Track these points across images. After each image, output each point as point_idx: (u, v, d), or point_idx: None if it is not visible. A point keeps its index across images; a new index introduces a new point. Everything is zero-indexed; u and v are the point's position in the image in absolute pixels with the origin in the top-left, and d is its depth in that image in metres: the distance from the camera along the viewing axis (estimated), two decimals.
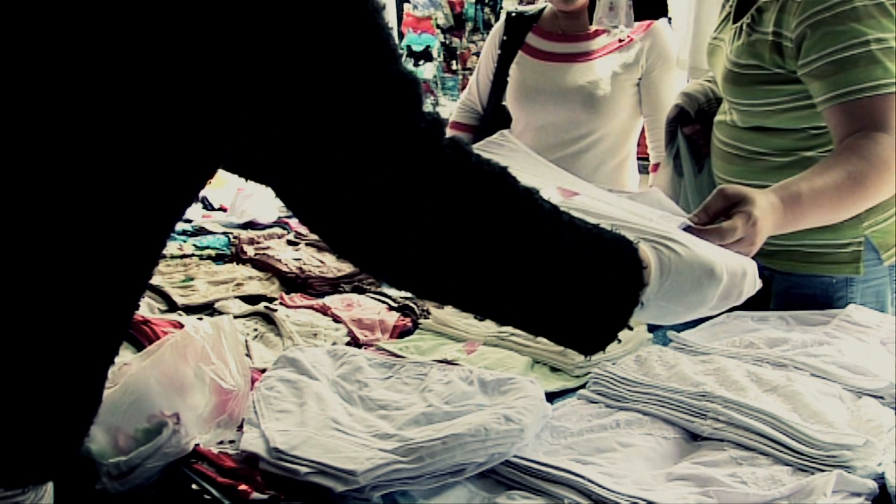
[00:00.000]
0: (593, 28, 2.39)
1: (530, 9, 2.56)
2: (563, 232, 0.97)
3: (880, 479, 1.06)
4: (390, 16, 4.34)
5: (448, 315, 1.62)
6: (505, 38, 2.49)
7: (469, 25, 8.04)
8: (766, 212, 1.32)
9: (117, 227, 0.82)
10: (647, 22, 2.36)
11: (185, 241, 2.20)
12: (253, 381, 1.32)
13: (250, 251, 2.08)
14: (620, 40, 2.36)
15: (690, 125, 1.86)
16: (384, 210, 0.88)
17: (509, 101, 2.46)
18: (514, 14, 2.54)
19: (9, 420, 0.83)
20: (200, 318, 1.59)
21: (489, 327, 1.54)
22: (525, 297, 0.96)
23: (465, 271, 0.93)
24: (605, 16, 2.30)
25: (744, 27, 1.61)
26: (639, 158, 2.52)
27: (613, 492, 1.02)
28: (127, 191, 0.81)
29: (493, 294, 0.96)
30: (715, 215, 1.32)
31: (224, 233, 2.32)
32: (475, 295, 0.97)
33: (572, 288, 0.98)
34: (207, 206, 2.72)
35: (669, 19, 2.55)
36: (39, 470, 0.87)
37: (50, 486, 0.92)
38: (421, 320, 1.67)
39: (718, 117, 1.76)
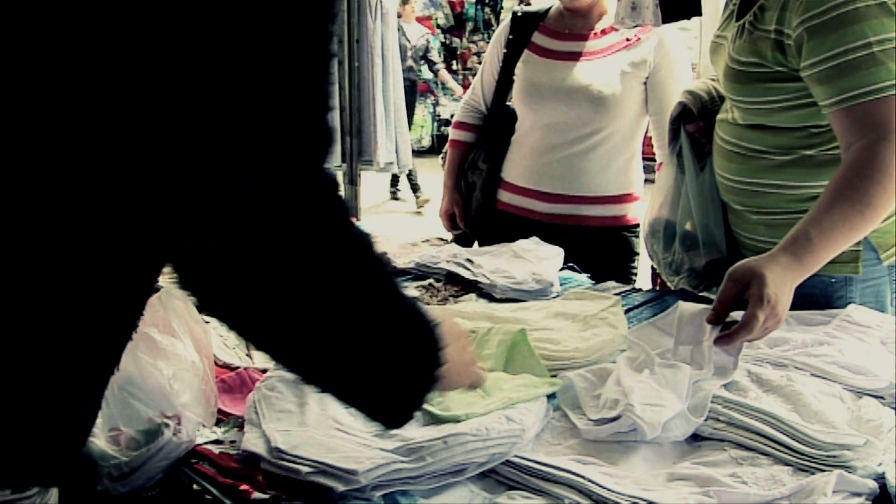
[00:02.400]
0: (601, 27, 2.38)
1: (536, 8, 2.55)
2: (396, 315, 0.98)
3: (881, 479, 1.06)
4: (391, 16, 4.32)
5: (433, 311, 1.61)
6: (511, 37, 2.49)
7: (469, 25, 8.04)
8: (780, 282, 1.32)
9: (126, 228, 0.82)
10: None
11: None
12: (254, 381, 1.33)
13: None
14: (628, 39, 2.35)
15: (694, 123, 1.86)
16: (258, 243, 0.83)
17: (515, 99, 2.45)
18: (520, 13, 2.54)
19: (12, 424, 0.83)
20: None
21: (467, 323, 1.51)
22: (350, 365, 0.96)
23: (309, 330, 0.90)
24: (627, 16, 2.25)
25: (746, 25, 1.62)
26: (645, 158, 2.52)
27: (614, 492, 1.02)
28: (136, 195, 0.80)
29: (321, 355, 0.94)
30: (729, 303, 1.33)
31: None
32: (306, 353, 0.94)
33: (390, 366, 0.98)
34: None
35: None
36: (43, 473, 0.88)
37: (55, 489, 0.92)
38: None
39: (720, 115, 1.76)
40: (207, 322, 1.41)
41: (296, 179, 0.82)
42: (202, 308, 0.99)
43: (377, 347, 0.95)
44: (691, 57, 3.07)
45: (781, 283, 1.32)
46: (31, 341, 0.82)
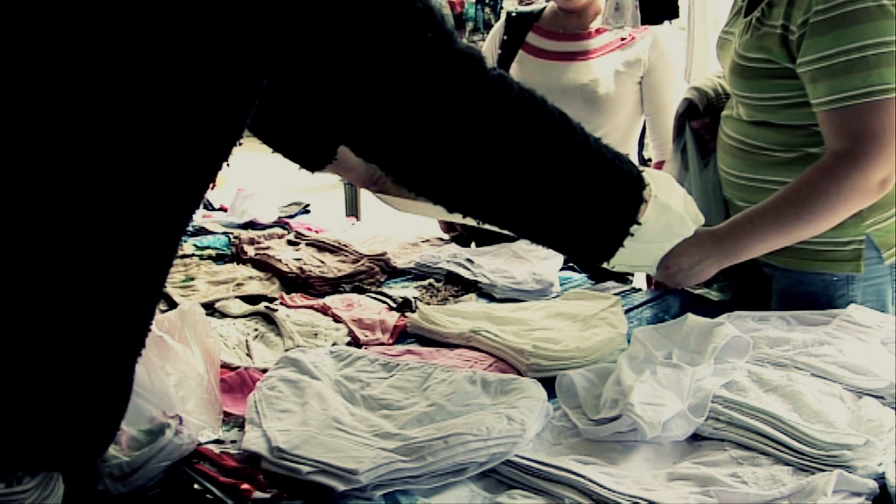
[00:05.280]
0: (595, 27, 2.39)
1: (531, 8, 2.56)
2: (587, 156, 1.11)
3: (881, 479, 1.06)
4: None
5: (433, 311, 1.63)
6: (505, 37, 2.49)
7: (469, 25, 8.03)
8: (686, 254, 1.44)
9: (145, 198, 0.86)
10: None
11: (185, 241, 2.20)
12: (254, 380, 1.33)
13: (251, 251, 2.08)
14: (622, 38, 2.36)
15: (699, 119, 1.86)
16: (408, 113, 0.97)
17: None
18: (514, 14, 2.54)
19: (34, 407, 0.85)
20: None
21: (467, 323, 1.57)
22: (546, 209, 1.11)
23: (492, 177, 1.05)
24: (610, 16, 2.30)
25: (753, 21, 1.61)
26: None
27: (614, 491, 1.02)
28: (157, 159, 0.85)
29: (519, 203, 1.10)
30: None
31: (224, 233, 2.33)
32: (503, 205, 1.10)
33: (587, 204, 1.15)
34: (208, 206, 2.72)
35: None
36: (59, 457, 0.89)
37: (60, 488, 0.92)
38: (407, 313, 1.68)
39: (725, 112, 1.76)
40: (221, 336, 1.47)
41: (405, 41, 0.94)
42: (406, 184, 1.09)
43: (565, 181, 1.10)
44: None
45: (695, 262, 1.46)
46: (60, 310, 0.85)
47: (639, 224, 1.23)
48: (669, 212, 1.32)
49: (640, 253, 1.34)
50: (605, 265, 1.30)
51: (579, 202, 1.14)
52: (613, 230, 1.22)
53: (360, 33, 0.90)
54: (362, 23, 0.90)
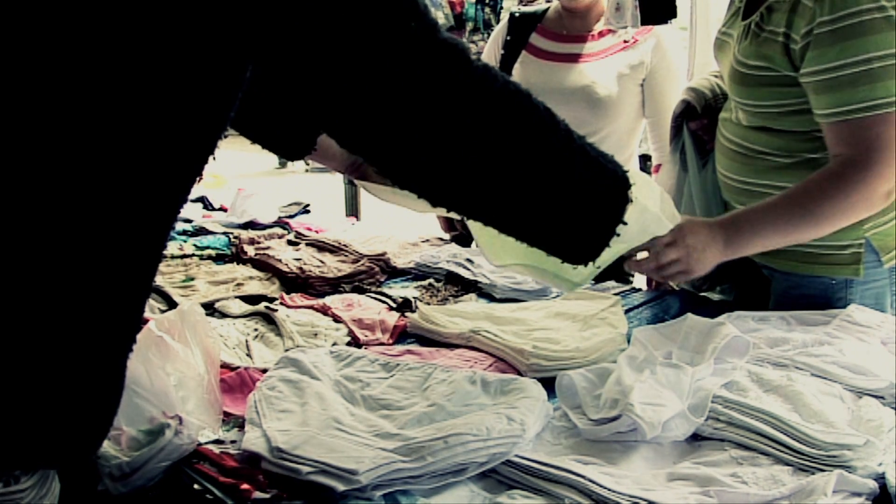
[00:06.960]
0: (598, 28, 2.38)
1: (534, 8, 2.55)
2: (571, 151, 1.12)
3: (881, 479, 1.06)
4: None
5: (433, 311, 1.64)
6: (508, 38, 2.48)
7: (469, 25, 8.04)
8: (703, 241, 1.41)
9: (132, 192, 0.86)
10: None
11: (185, 241, 2.20)
12: (254, 380, 1.33)
13: (251, 251, 2.08)
14: (625, 41, 2.36)
15: (697, 120, 1.85)
16: (393, 102, 0.95)
17: None
18: (517, 14, 2.53)
19: (29, 404, 0.85)
20: None
21: (467, 323, 1.57)
22: (529, 204, 1.09)
23: (476, 169, 1.03)
24: (611, 16, 2.30)
25: (752, 26, 1.60)
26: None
27: (614, 491, 1.02)
28: (144, 152, 0.85)
29: (502, 198, 1.08)
30: (661, 246, 1.41)
31: (224, 233, 2.33)
32: (486, 199, 1.08)
33: (572, 200, 1.13)
34: (208, 206, 2.73)
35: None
36: (53, 454, 0.89)
37: (56, 486, 0.92)
38: (407, 313, 1.68)
39: (723, 114, 1.75)
40: (221, 336, 1.47)
41: (389, 31, 0.92)
42: (396, 181, 1.07)
43: (554, 179, 1.09)
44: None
45: (704, 243, 1.42)
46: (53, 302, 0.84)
47: (625, 223, 1.20)
48: (647, 213, 1.28)
49: (615, 254, 1.31)
50: (590, 265, 1.27)
51: (563, 196, 1.12)
52: (600, 228, 1.18)
53: (343, 23, 0.89)
54: (346, 12, 0.89)
